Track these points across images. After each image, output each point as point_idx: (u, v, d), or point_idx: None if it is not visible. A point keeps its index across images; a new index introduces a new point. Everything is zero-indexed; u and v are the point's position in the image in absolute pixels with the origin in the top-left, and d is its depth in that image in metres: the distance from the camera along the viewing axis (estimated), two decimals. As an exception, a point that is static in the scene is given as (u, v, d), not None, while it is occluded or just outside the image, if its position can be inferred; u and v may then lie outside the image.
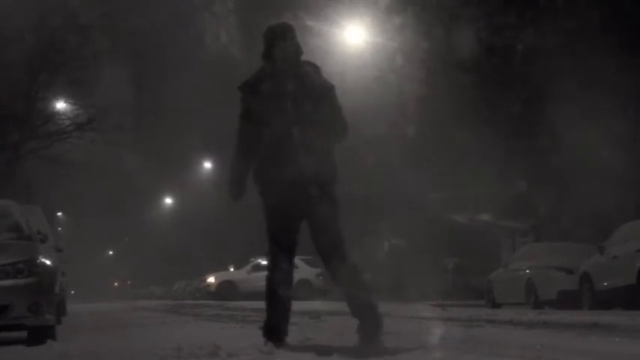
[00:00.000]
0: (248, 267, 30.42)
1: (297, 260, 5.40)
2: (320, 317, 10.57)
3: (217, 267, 47.79)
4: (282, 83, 5.24)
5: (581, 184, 18.17)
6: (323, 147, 5.21)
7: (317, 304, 18.64)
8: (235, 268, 48.52)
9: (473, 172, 22.05)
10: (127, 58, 24.69)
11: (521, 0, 19.82)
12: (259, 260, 30.75)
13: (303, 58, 5.41)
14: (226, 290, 29.73)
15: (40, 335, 7.27)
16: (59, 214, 44.16)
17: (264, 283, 5.38)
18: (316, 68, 5.41)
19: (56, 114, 26.95)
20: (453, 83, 21.10)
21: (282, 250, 5.37)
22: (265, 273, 5.42)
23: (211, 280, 32.28)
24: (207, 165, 46.87)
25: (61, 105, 26.98)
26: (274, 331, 5.40)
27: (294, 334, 7.20)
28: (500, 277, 17.47)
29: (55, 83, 26.08)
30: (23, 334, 7.49)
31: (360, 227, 30.21)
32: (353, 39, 21.57)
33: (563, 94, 18.07)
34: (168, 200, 56.87)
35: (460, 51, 20.64)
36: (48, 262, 8.02)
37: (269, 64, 5.35)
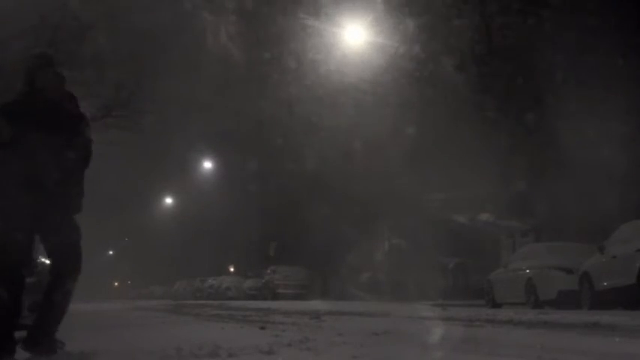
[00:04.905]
0: None
1: None
2: (320, 317, 10.57)
3: (218, 267, 47.88)
4: (38, 111, 5.26)
5: (581, 184, 18.16)
6: (71, 176, 5.31)
7: (317, 304, 18.66)
8: (235, 270, 48.63)
9: (473, 172, 22.04)
10: (127, 57, 24.64)
11: (522, 0, 19.83)
12: None
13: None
14: None
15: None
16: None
17: None
18: (73, 99, 5.55)
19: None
20: (453, 83, 21.10)
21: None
22: None
23: None
24: (208, 165, 46.87)
25: (61, 105, 26.91)
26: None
27: (294, 334, 7.21)
28: (500, 277, 17.47)
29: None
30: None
31: (360, 227, 30.26)
32: (353, 39, 21.55)
33: (563, 94, 18.08)
34: (169, 200, 56.88)
35: (460, 51, 20.64)
36: (48, 262, 8.00)
37: (27, 91, 5.37)
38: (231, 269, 49.29)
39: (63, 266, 5.45)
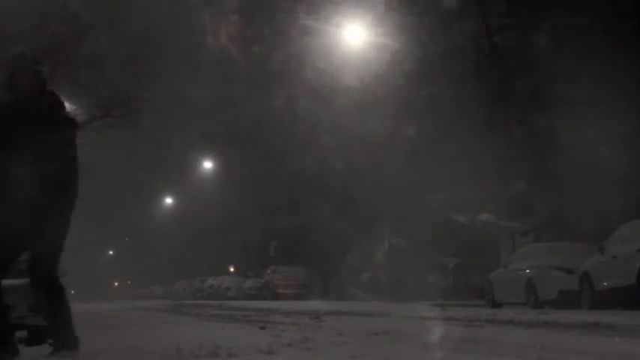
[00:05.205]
0: None
1: None
2: (320, 317, 10.57)
3: (218, 267, 47.88)
4: (19, 113, 5.23)
5: (581, 183, 18.16)
6: (56, 177, 5.24)
7: (317, 304, 18.66)
8: (235, 270, 48.64)
9: (473, 172, 22.05)
10: (127, 57, 24.65)
11: (521, 0, 19.83)
12: None
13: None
14: None
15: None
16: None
17: None
18: (58, 99, 5.47)
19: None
20: (453, 83, 21.09)
21: None
22: None
23: None
24: (208, 165, 46.87)
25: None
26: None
27: (294, 334, 7.21)
28: (500, 277, 17.46)
29: (55, 83, 26.00)
30: (23, 334, 7.49)
31: (360, 227, 30.26)
32: (353, 39, 21.55)
33: (563, 94, 18.07)
34: (169, 200, 56.90)
35: (460, 51, 20.64)
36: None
37: (9, 92, 5.35)
38: (231, 269, 49.28)
39: (41, 266, 5.38)
